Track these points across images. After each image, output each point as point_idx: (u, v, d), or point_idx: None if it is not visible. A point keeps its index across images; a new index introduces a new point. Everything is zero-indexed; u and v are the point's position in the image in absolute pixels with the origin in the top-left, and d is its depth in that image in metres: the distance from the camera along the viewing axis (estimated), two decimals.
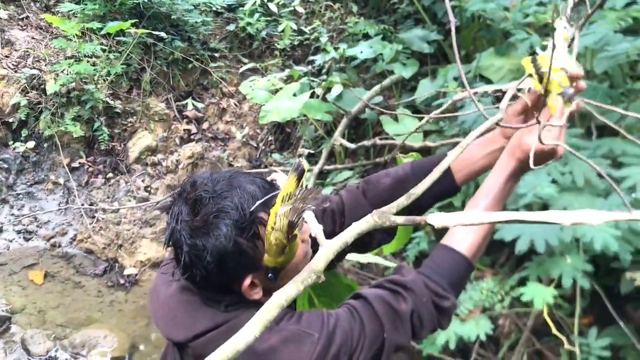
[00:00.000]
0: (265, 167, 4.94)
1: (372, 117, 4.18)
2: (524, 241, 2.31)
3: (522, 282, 2.59)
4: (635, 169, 2.18)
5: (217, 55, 5.72)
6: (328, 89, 4.08)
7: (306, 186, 1.05)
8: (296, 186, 1.03)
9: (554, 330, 2.28)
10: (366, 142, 3.88)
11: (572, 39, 1.15)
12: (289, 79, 4.40)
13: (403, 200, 0.88)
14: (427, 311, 1.13)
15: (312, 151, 4.63)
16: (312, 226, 0.95)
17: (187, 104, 5.54)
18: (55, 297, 4.05)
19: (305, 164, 1.06)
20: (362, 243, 1.43)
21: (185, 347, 1.17)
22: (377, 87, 4.11)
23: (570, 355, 2.78)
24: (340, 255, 1.49)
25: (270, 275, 1.09)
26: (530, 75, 1.13)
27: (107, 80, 5.12)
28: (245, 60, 5.60)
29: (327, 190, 4.10)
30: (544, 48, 1.15)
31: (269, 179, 1.19)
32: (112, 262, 4.44)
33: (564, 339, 2.27)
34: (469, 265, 1.19)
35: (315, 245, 1.36)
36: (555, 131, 1.11)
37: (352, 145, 3.90)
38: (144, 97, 5.34)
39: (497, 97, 3.01)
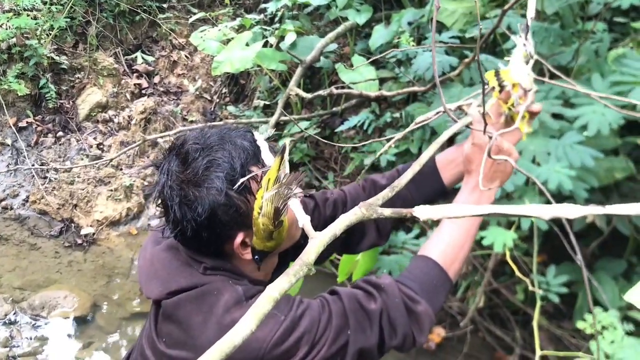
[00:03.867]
0: (221, 120, 4.87)
1: (327, 66, 4.14)
2: None
3: (482, 226, 2.64)
4: (586, 109, 2.22)
5: (165, 5, 5.53)
6: (281, 38, 4.00)
7: (290, 171, 1.03)
8: (278, 169, 1.02)
9: (517, 273, 2.34)
10: (322, 92, 3.84)
11: (530, 56, 1.24)
12: (240, 29, 4.30)
13: (387, 192, 0.89)
14: (400, 314, 1.11)
15: (267, 102, 4.58)
16: (300, 217, 0.93)
17: (136, 57, 5.38)
18: (11, 260, 3.97)
19: (287, 148, 1.04)
20: (354, 242, 1.47)
21: (160, 305, 1.16)
22: (331, 35, 4.05)
23: (526, 292, 2.88)
24: (330, 251, 1.48)
25: (256, 257, 1.09)
26: (493, 89, 1.22)
27: (50, 34, 4.91)
28: (195, 10, 5.44)
29: (285, 142, 4.06)
30: (506, 63, 1.25)
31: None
32: (67, 222, 4.36)
33: (527, 281, 2.33)
34: (441, 272, 1.18)
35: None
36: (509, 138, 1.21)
37: (308, 95, 3.86)
38: (90, 52, 5.15)
39: (451, 46, 3.00)
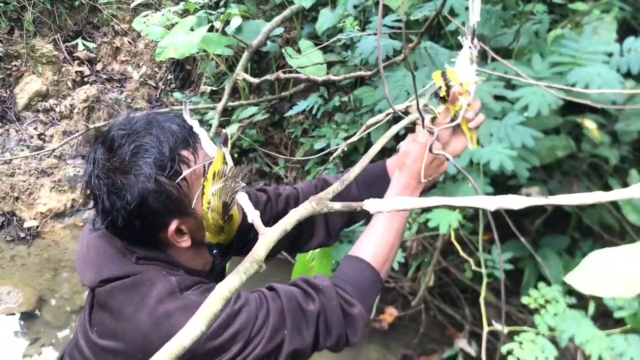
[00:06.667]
0: (167, 106, 4.77)
1: (274, 50, 4.10)
2: None
3: (428, 208, 2.67)
4: (527, 90, 2.27)
5: None
6: (227, 22, 3.93)
7: (236, 164, 1.01)
8: (223, 161, 1.00)
9: (462, 253, 2.39)
10: (270, 77, 3.79)
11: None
12: (185, 13, 4.21)
13: (337, 186, 0.89)
14: (336, 316, 1.11)
15: (214, 88, 4.51)
16: (249, 212, 0.90)
17: (77, 44, 5.21)
18: None
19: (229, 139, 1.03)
20: (303, 241, 1.46)
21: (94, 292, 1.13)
22: (277, 18, 4.00)
23: (474, 270, 2.94)
24: (277, 249, 1.47)
25: (215, 252, 1.07)
26: (440, 88, 1.26)
27: None
28: None
29: (233, 128, 4.02)
30: (452, 64, 1.29)
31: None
32: (9, 215, 4.21)
33: (471, 261, 2.38)
34: (373, 273, 1.18)
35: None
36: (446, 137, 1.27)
37: (255, 80, 3.81)
38: (27, 39, 4.96)
39: (396, 32, 3.01)
